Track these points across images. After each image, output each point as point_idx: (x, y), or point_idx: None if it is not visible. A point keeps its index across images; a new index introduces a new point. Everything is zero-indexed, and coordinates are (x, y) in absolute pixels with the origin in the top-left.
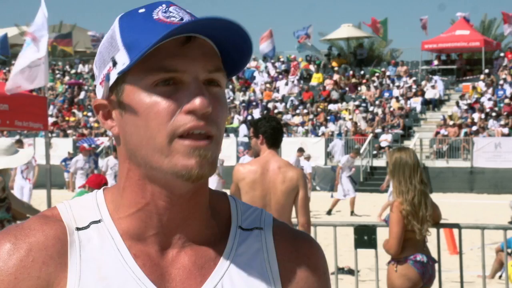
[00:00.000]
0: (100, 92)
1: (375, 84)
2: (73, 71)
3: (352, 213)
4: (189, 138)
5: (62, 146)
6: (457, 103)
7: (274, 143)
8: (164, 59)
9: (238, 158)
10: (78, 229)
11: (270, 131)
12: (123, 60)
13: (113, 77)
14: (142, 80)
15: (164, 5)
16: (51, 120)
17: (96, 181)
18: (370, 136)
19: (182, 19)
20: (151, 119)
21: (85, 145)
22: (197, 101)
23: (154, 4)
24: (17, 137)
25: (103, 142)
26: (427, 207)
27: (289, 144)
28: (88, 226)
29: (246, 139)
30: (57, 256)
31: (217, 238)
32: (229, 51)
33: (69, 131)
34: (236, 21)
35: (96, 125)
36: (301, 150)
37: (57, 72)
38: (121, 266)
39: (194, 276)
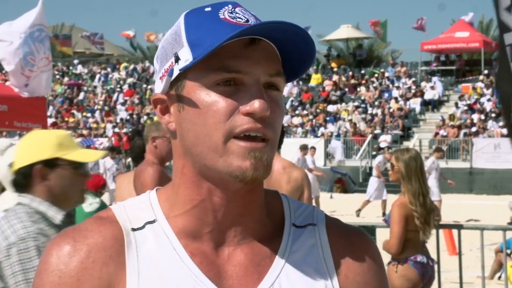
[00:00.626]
0: (159, 86)
1: (374, 85)
2: (72, 71)
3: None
4: (245, 140)
5: None
6: (457, 104)
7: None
8: (227, 59)
9: None
10: (133, 229)
11: None
12: (186, 56)
13: (175, 72)
14: (204, 78)
15: (230, 6)
16: (50, 121)
17: (94, 183)
18: (370, 137)
19: (248, 20)
20: (209, 117)
21: (84, 145)
22: (256, 104)
23: (220, 4)
24: (17, 138)
25: (102, 143)
26: (433, 209)
27: (288, 145)
28: (143, 227)
29: None
30: (116, 256)
31: (272, 235)
32: (291, 56)
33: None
34: (302, 27)
35: (95, 125)
36: (304, 148)
37: (56, 72)
38: (178, 264)
39: (251, 273)
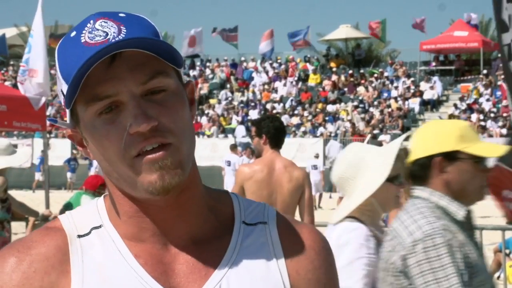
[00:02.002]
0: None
1: (373, 85)
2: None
3: None
4: (145, 154)
5: (60, 147)
6: (456, 104)
7: (277, 143)
8: (96, 87)
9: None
10: (79, 236)
11: (273, 131)
12: (66, 92)
13: (67, 111)
14: (86, 111)
15: (91, 22)
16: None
17: (92, 183)
18: (369, 136)
19: (107, 34)
20: (107, 147)
21: None
22: (137, 122)
23: (83, 22)
24: (14, 138)
25: None
26: None
27: (287, 145)
28: (89, 233)
29: (244, 140)
30: (58, 265)
31: (221, 233)
32: (159, 51)
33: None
34: (140, 33)
35: None
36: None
37: (54, 72)
38: (123, 266)
39: (199, 270)
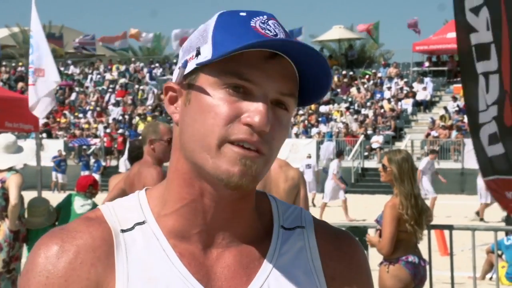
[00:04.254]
0: (175, 75)
1: (366, 86)
2: (64, 72)
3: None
4: (239, 147)
5: (52, 148)
6: (448, 105)
7: None
8: (243, 67)
9: None
10: (123, 231)
11: None
12: (206, 53)
13: (191, 66)
14: (216, 79)
15: (265, 17)
16: (41, 121)
17: (82, 184)
18: (362, 137)
19: (276, 35)
20: (210, 117)
21: (76, 145)
22: (257, 117)
23: (256, 12)
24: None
25: (96, 143)
26: (425, 210)
27: None
28: (132, 228)
29: None
30: (104, 258)
31: (261, 237)
32: (308, 80)
33: (59, 133)
34: (323, 54)
35: (86, 126)
36: (434, 152)
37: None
38: (167, 266)
39: (240, 275)
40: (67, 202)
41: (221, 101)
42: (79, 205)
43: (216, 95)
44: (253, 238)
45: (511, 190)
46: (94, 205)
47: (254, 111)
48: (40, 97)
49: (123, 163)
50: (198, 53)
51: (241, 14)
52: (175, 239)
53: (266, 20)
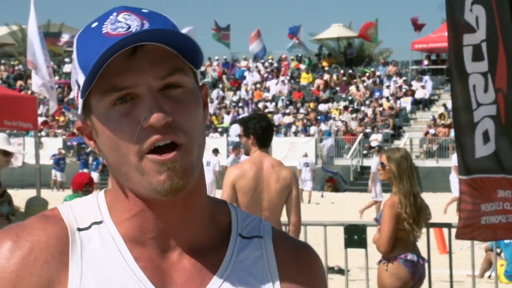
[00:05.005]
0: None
1: (365, 84)
2: (62, 70)
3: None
4: (156, 152)
5: (51, 146)
6: (447, 103)
7: (265, 143)
8: (114, 77)
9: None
10: (79, 229)
11: (260, 131)
12: (81, 82)
13: (80, 101)
14: (101, 102)
15: (114, 14)
16: (40, 119)
17: (77, 183)
18: (360, 136)
19: (129, 27)
20: (119, 140)
21: (74, 143)
22: (151, 115)
23: (106, 15)
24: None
25: None
26: (423, 209)
27: (279, 144)
28: (89, 227)
29: (237, 139)
30: (58, 256)
31: (218, 244)
32: (181, 48)
33: (58, 131)
34: (164, 28)
35: None
36: (380, 150)
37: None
38: (122, 267)
39: (195, 279)
40: None
41: (118, 119)
42: None
43: (111, 116)
44: (210, 244)
45: (502, 188)
46: None
47: (146, 111)
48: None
49: None
50: (79, 86)
51: (93, 25)
52: (131, 243)
53: (116, 18)
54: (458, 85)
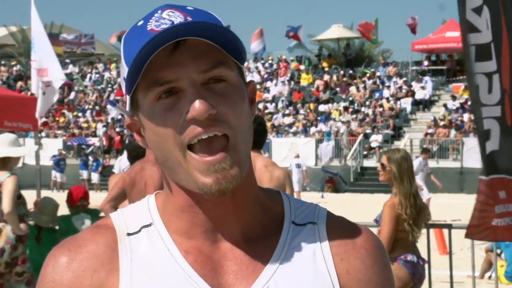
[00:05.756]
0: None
1: (365, 85)
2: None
3: None
4: (201, 151)
5: (51, 147)
6: (447, 104)
7: (257, 144)
8: (157, 72)
9: None
10: (129, 234)
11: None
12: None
13: (128, 98)
14: (146, 97)
15: (159, 12)
16: (40, 120)
17: (72, 197)
18: (361, 136)
19: (172, 23)
20: (164, 134)
21: (75, 144)
22: (194, 108)
23: (151, 13)
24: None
25: (95, 142)
26: (424, 209)
27: (279, 144)
28: (139, 231)
29: None
30: (107, 263)
31: (271, 232)
32: (224, 42)
33: (58, 132)
34: (203, 20)
35: (86, 125)
36: (426, 151)
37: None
38: (170, 264)
39: (247, 268)
40: (70, 226)
41: (162, 113)
42: (81, 224)
43: (156, 110)
44: (262, 233)
45: (503, 189)
46: (92, 214)
47: (188, 104)
48: (50, 103)
49: (117, 163)
50: (125, 82)
51: (139, 23)
52: (181, 238)
53: (160, 15)
54: (472, 85)
